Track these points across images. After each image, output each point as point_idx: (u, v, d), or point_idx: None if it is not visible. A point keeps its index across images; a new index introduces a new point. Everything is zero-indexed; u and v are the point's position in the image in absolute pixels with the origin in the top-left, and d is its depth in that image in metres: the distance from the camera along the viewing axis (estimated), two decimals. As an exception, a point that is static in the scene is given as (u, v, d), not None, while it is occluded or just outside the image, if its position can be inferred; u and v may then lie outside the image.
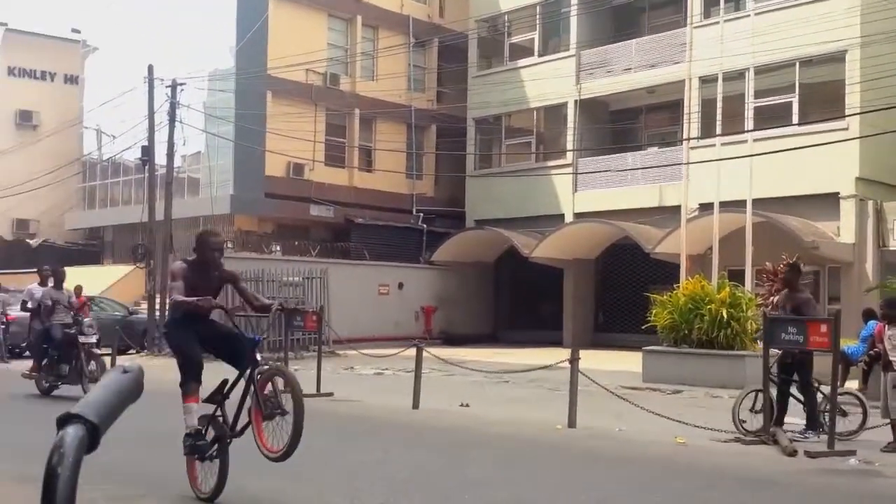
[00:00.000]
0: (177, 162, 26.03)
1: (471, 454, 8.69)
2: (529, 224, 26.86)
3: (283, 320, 15.06)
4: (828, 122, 20.24)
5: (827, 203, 20.72)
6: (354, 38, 30.42)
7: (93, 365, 12.87)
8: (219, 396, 6.36)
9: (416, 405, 11.95)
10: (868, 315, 15.61)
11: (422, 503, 6.18)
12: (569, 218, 26.24)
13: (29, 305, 13.91)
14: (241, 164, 27.44)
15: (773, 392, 9.82)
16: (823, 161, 19.48)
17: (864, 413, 9.95)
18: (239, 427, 6.30)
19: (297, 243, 27.40)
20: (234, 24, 27.96)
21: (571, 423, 10.33)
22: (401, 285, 27.39)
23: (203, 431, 6.31)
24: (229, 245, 25.96)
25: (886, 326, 9.71)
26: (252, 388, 6.13)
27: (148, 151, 24.22)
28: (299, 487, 6.81)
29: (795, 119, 21.33)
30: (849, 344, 14.67)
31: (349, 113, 30.07)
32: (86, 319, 13.52)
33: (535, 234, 25.82)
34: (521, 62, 28.58)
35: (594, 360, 11.53)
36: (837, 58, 20.88)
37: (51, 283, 13.69)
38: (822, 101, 21.95)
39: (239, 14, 28.01)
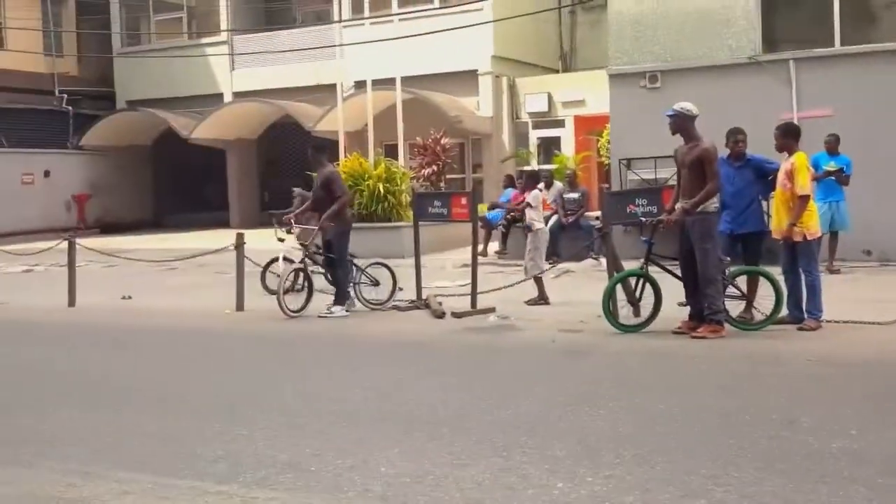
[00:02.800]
0: None
1: (136, 348, 8.64)
2: (187, 104, 25.90)
3: None
4: (466, 3, 21.43)
5: (467, 80, 22.18)
6: None
7: None
8: None
9: (72, 302, 11.50)
10: (507, 182, 17.32)
11: (85, 405, 6.15)
12: (228, 98, 25.68)
13: None
14: None
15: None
16: (463, 40, 20.67)
17: (394, 281, 10.62)
18: None
19: (-83, 132, 24.24)
20: None
21: (239, 306, 10.60)
22: (47, 173, 25.44)
23: None
24: None
25: (527, 193, 10.90)
26: None
27: None
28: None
29: (436, 1, 22.39)
30: (487, 211, 16.14)
31: (-30, -18, 26.60)
32: None
33: (194, 115, 25.03)
34: (166, -72, 26.88)
35: (261, 240, 11.78)
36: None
37: None
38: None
39: None
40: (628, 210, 9.15)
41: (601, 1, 18.20)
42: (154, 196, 28.47)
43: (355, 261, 10.51)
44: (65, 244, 12.33)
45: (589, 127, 20.92)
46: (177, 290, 13.01)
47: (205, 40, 26.60)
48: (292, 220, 10.47)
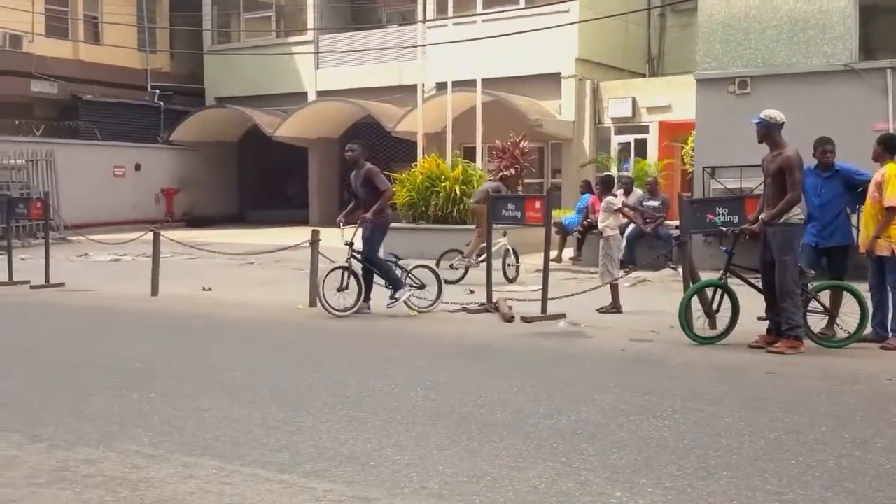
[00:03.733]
0: None
1: (211, 338, 8.84)
2: (272, 102, 26.47)
3: (4, 208, 14.14)
4: (551, 5, 21.33)
5: (550, 83, 22.08)
6: None
7: None
8: None
9: (154, 292, 11.83)
10: (585, 188, 17.15)
11: (157, 390, 6.31)
12: (312, 96, 26.13)
13: None
14: (-55, 36, 24.66)
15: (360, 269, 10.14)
16: (547, 43, 20.62)
17: (440, 286, 10.39)
18: None
19: (17, 122, 25.24)
20: None
21: (312, 302, 10.72)
22: (138, 166, 26.26)
23: None
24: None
25: (601, 198, 10.81)
26: None
27: None
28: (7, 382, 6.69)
29: (522, 2, 22.33)
30: (566, 215, 16.01)
31: (71, -21, 27.61)
32: None
33: (279, 113, 25.54)
34: (259, -69, 27.53)
35: (337, 237, 11.95)
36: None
37: None
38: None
39: None
40: (708, 219, 8.94)
41: (692, 4, 17.89)
42: (238, 191, 29.12)
43: (400, 262, 10.37)
44: (150, 235, 12.71)
45: (673, 133, 20.59)
46: (254, 284, 13.27)
47: (292, 39, 27.10)
48: (341, 221, 10.34)
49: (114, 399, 6.01)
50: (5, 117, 25.57)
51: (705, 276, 8.96)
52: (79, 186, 22.91)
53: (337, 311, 9.82)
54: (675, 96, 20.40)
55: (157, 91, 28.78)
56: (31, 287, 12.62)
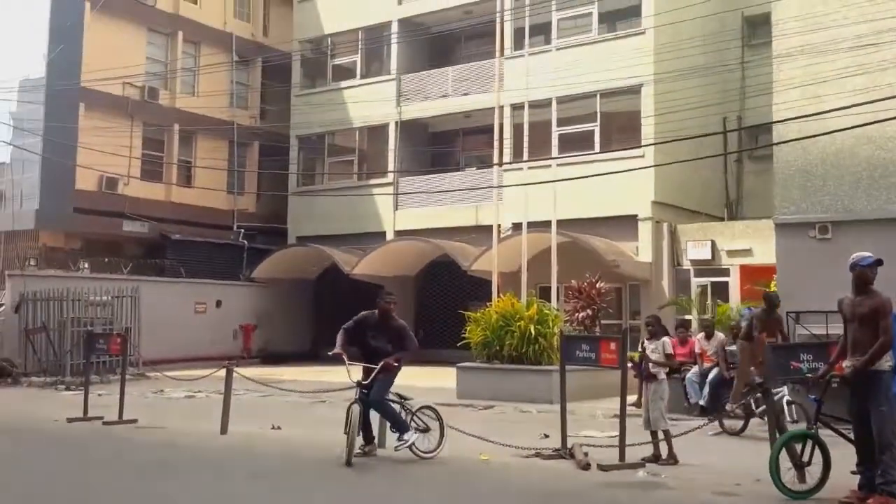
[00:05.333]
0: (-23, 174, 24.57)
1: (275, 479, 8.64)
2: (351, 241, 26.98)
3: (85, 344, 14.44)
4: (626, 150, 21.57)
5: (626, 224, 22.03)
6: (175, 53, 29.62)
7: None
8: None
9: (224, 430, 11.73)
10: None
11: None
12: (390, 236, 26.57)
13: None
14: (49, 178, 26.13)
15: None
16: (623, 185, 20.70)
17: (442, 430, 9.77)
18: None
19: (107, 260, 26.23)
20: (46, 33, 26.66)
21: (381, 443, 10.48)
22: (219, 303, 26.80)
23: None
24: (31, 262, 24.63)
25: (646, 341, 10.43)
26: None
27: None
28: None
29: (597, 146, 22.65)
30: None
31: (168, 128, 29.19)
32: None
33: (357, 251, 25.96)
34: (344, 83, 28.84)
35: (412, 377, 11.71)
36: (634, 91, 22.38)
37: None
38: (621, 130, 23.38)
39: (52, 22, 26.79)
40: (792, 366, 8.54)
41: (768, 151, 17.85)
42: (314, 328, 29.35)
43: (406, 403, 9.90)
44: (222, 372, 12.74)
45: (755, 277, 20.12)
46: (323, 422, 13.07)
47: (372, 181, 27.87)
48: (344, 357, 9.85)
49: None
50: (96, 255, 26.65)
51: (791, 427, 8.46)
52: (161, 322, 23.41)
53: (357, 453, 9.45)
54: (756, 240, 20.09)
55: (242, 230, 29.74)
56: (104, 423, 12.65)
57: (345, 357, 9.69)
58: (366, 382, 9.67)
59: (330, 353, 9.80)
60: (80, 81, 26.13)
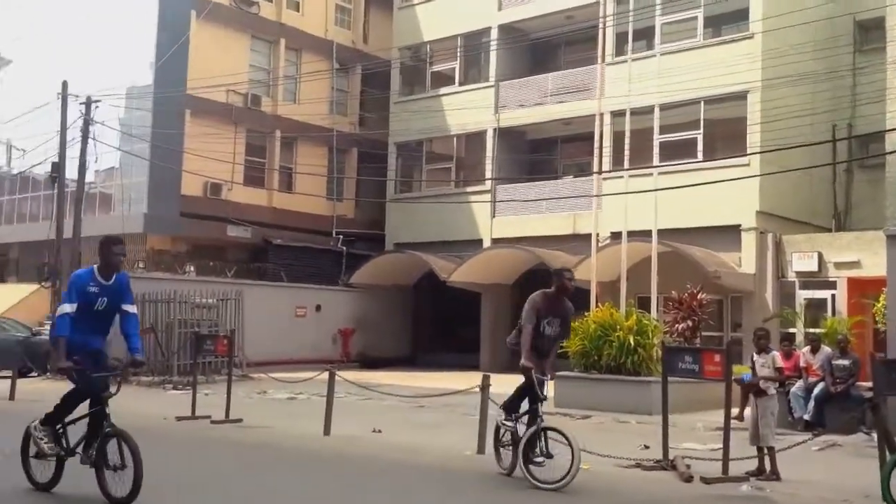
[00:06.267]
0: (89, 178, 25.59)
1: (376, 483, 8.79)
2: (448, 248, 27.18)
3: (193, 344, 14.93)
4: (730, 158, 21.10)
5: (729, 234, 21.54)
6: (277, 60, 30.42)
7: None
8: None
9: (327, 431, 11.98)
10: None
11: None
12: (487, 243, 26.64)
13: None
14: (156, 183, 27.06)
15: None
16: (726, 195, 20.28)
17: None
18: None
19: (211, 264, 27.08)
20: (153, 41, 27.67)
21: (480, 449, 10.54)
22: (318, 307, 27.32)
23: None
24: (140, 265, 25.56)
25: (755, 354, 10.20)
26: None
27: (58, 168, 23.88)
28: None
29: (700, 155, 22.22)
30: (745, 372, 15.21)
31: (270, 134, 29.98)
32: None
33: (454, 259, 26.13)
34: (443, 90, 29.01)
35: (509, 385, 11.73)
36: (739, 97, 21.87)
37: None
38: (726, 138, 22.89)
39: (159, 30, 27.72)
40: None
41: (880, 159, 17.20)
42: (412, 334, 29.64)
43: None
44: (325, 375, 13.02)
45: (863, 290, 19.44)
46: (423, 427, 13.24)
47: (469, 188, 27.99)
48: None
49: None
50: (202, 259, 27.54)
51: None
52: (263, 325, 23.97)
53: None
54: (865, 252, 19.41)
55: (341, 236, 30.29)
56: (212, 422, 13.05)
57: (533, 373, 8.51)
58: (543, 397, 8.69)
59: (522, 365, 8.49)
60: (186, 88, 27.02)
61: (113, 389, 7.17)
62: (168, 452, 10.66)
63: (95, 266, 7.31)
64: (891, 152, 14.63)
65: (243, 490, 8.12)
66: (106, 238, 7.43)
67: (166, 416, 13.61)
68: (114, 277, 7.29)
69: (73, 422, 7.32)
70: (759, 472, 9.45)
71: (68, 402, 7.27)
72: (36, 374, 21.14)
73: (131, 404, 16.05)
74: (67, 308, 7.06)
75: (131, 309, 7.42)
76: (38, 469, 7.41)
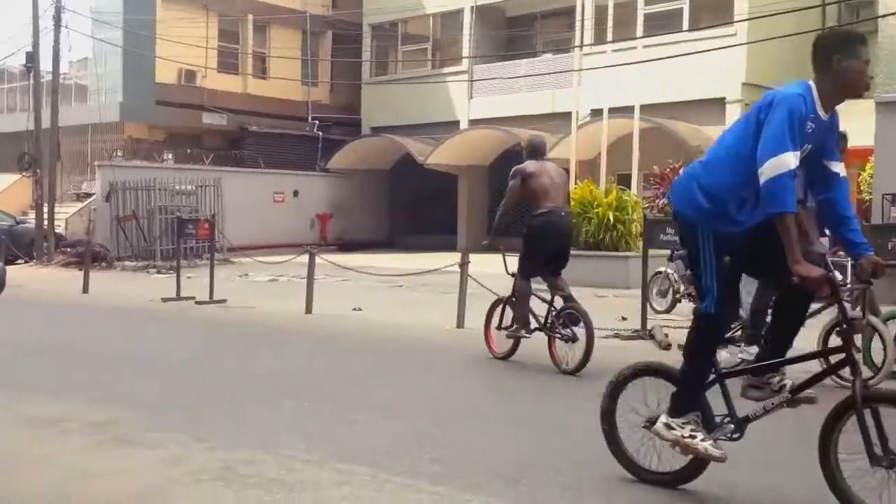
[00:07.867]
0: (63, 68, 25.24)
1: (359, 356, 8.92)
2: (425, 131, 26.89)
3: (175, 228, 14.94)
4: (717, 27, 20.65)
5: (713, 108, 21.20)
6: (246, -59, 29.32)
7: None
8: None
9: (308, 310, 12.11)
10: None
11: (310, 400, 6.42)
12: (464, 125, 26.39)
13: None
14: (131, 71, 26.49)
15: None
16: (711, 66, 19.94)
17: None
18: None
19: (189, 151, 26.78)
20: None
21: (459, 324, 10.69)
22: (296, 193, 27.24)
23: None
24: (118, 153, 25.34)
25: None
26: None
27: (32, 58, 23.72)
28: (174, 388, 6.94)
29: (686, 25, 21.77)
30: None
31: (242, 19, 29.17)
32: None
33: (431, 141, 25.91)
34: (418, -34, 28.17)
35: (486, 264, 11.78)
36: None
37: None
38: (712, 8, 22.36)
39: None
40: (889, 246, 8.36)
41: (871, 25, 16.96)
42: (389, 218, 29.70)
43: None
44: (305, 257, 13.08)
45: (849, 160, 19.35)
46: (402, 305, 13.37)
47: (446, 69, 27.53)
48: None
49: (270, 407, 6.15)
50: (179, 147, 27.23)
51: (885, 309, 8.31)
52: (241, 211, 24.00)
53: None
54: (851, 121, 19.23)
55: (317, 122, 29.90)
56: (196, 303, 13.23)
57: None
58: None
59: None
60: (156, -28, 26.16)
61: None
62: (158, 330, 10.85)
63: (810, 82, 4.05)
64: (882, 16, 14.40)
65: (234, 361, 8.30)
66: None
67: (152, 298, 13.81)
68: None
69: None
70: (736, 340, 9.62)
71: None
72: (22, 261, 21.32)
73: (119, 287, 16.21)
74: (791, 159, 3.84)
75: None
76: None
